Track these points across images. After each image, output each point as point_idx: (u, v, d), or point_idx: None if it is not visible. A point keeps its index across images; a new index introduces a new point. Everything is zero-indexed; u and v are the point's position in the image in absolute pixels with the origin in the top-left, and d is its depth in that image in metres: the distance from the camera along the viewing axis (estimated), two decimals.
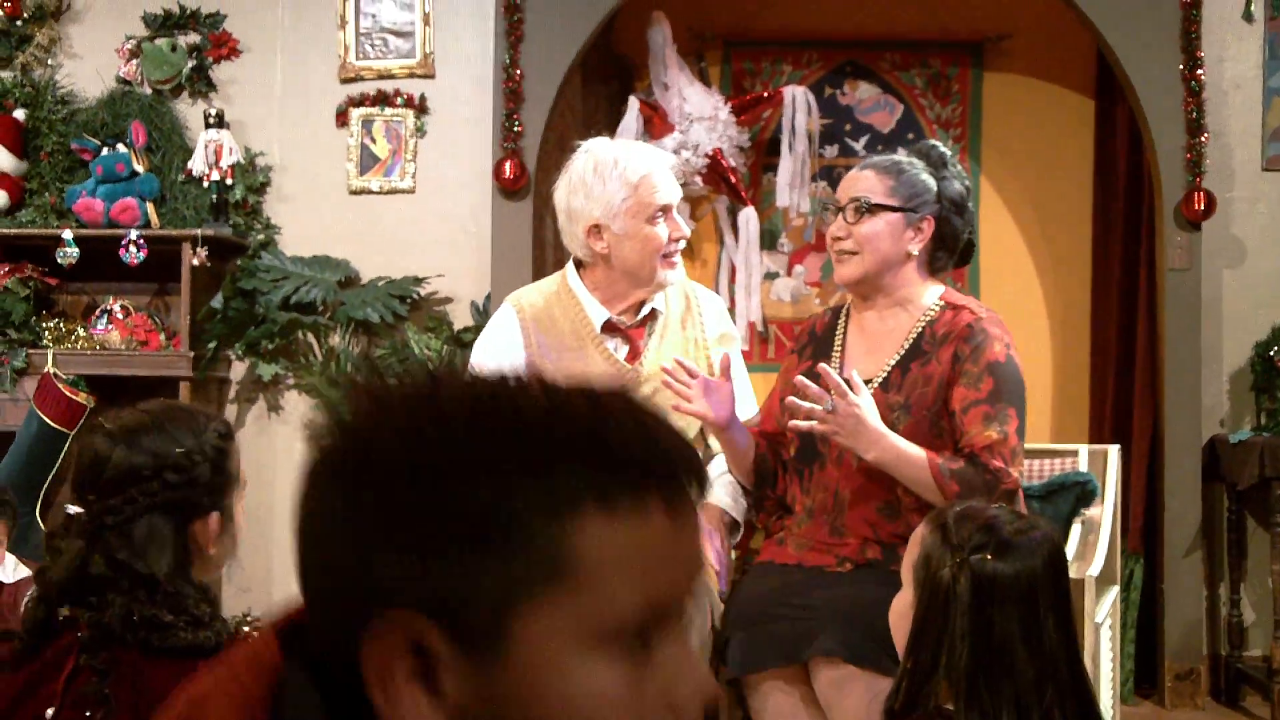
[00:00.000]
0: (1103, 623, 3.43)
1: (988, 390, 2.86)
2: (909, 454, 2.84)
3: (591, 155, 3.28)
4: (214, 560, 2.09)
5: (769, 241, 5.65)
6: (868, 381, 2.96)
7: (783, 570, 3.01)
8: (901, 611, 2.15)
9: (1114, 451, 3.81)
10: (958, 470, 2.82)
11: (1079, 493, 3.54)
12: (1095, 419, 5.34)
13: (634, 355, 3.30)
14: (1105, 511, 3.61)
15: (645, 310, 3.32)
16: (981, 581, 2.02)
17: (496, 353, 3.31)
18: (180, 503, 2.01)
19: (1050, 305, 5.59)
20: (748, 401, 3.44)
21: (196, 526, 2.03)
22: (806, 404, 2.86)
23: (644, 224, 3.22)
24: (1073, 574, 3.07)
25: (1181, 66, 4.92)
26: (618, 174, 3.22)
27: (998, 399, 2.86)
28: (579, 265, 3.36)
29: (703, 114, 5.50)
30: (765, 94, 5.61)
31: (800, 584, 2.94)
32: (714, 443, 3.35)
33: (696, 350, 3.36)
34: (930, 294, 3.05)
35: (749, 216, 5.51)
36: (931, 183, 3.03)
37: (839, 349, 3.09)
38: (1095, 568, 3.34)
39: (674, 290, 3.39)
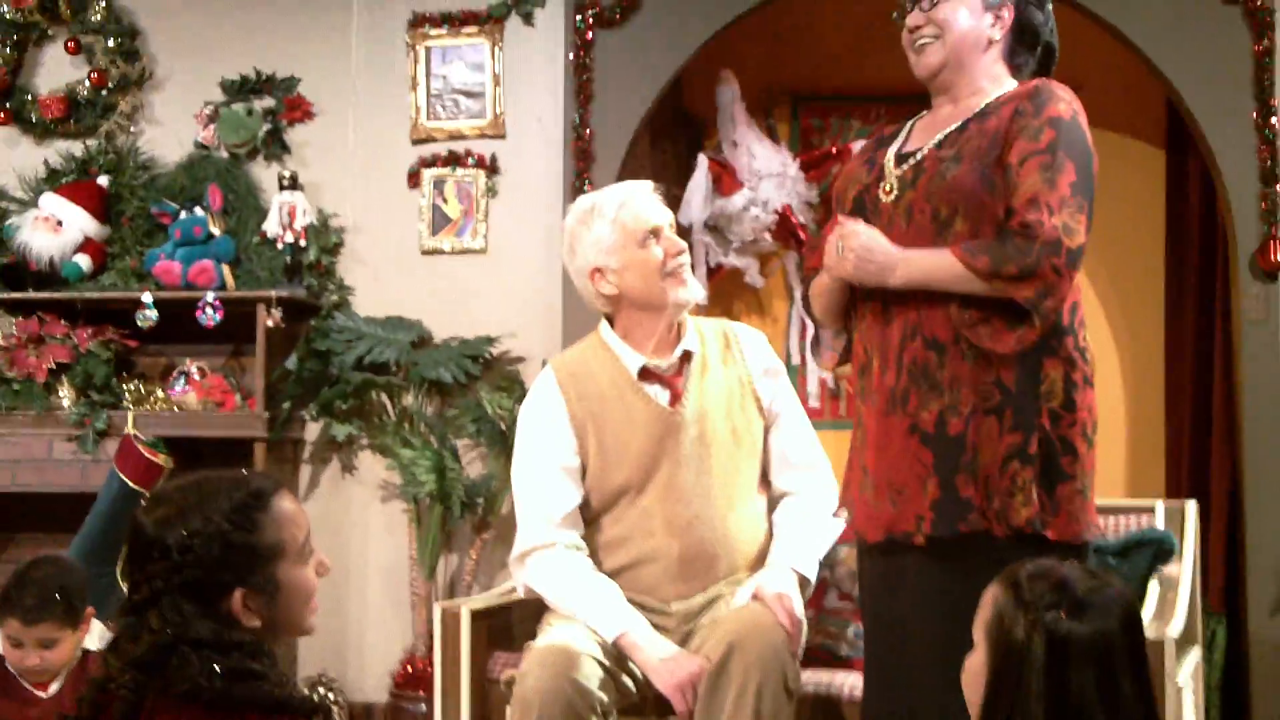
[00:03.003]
0: (1184, 685, 3.37)
1: (1047, 141, 2.70)
2: (933, 258, 2.71)
3: (573, 210, 3.42)
4: (265, 631, 2.08)
5: None
6: (921, 149, 2.85)
7: (866, 561, 2.92)
8: (975, 672, 2.12)
9: (1191, 507, 3.76)
10: (981, 245, 2.67)
11: (1156, 550, 3.50)
12: (1172, 474, 5.27)
13: (675, 399, 3.31)
14: (1184, 569, 3.55)
15: (678, 352, 3.34)
16: (1056, 641, 2.00)
17: (538, 413, 3.38)
18: (194, 583, 2.01)
19: (1123, 359, 5.54)
20: (807, 440, 3.44)
21: (225, 602, 2.02)
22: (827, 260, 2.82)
23: (636, 249, 3.30)
24: (1152, 634, 3.04)
25: (1255, 115, 4.88)
26: (597, 215, 3.33)
27: (1056, 148, 2.69)
28: (610, 320, 3.41)
29: (771, 170, 5.53)
30: (833, 149, 5.63)
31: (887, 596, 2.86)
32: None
33: (741, 387, 3.37)
34: (1005, 87, 2.88)
35: None
36: None
37: (904, 136, 2.95)
38: (1175, 628, 3.28)
39: (710, 331, 3.42)
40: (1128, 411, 5.49)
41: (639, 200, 3.35)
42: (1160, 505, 3.79)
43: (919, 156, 2.83)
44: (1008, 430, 2.67)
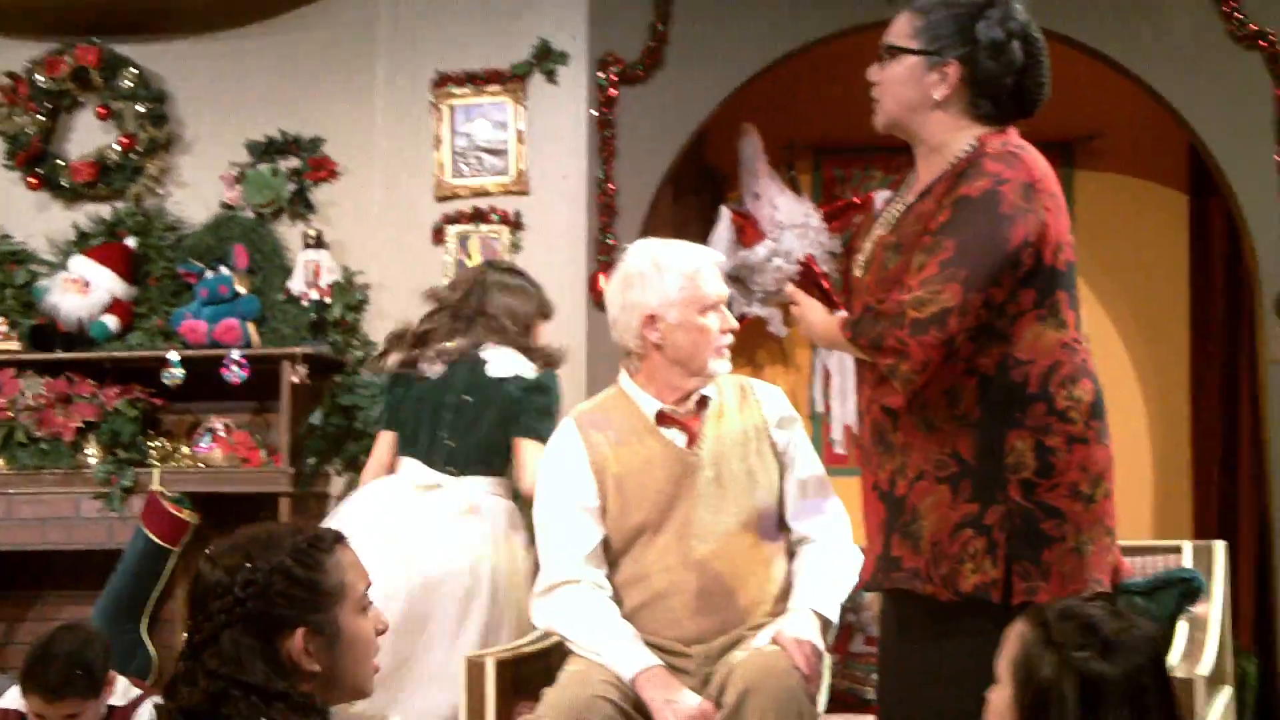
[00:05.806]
0: None
1: (940, 223, 2.62)
2: (833, 326, 2.82)
3: (648, 251, 3.42)
4: (326, 676, 2.08)
5: None
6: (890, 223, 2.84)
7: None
8: (1001, 710, 2.12)
9: (1220, 547, 3.72)
10: (853, 320, 2.74)
11: (1184, 589, 3.46)
12: (1199, 516, 5.24)
13: (691, 440, 3.36)
14: (1214, 608, 3.52)
15: (695, 397, 3.39)
16: (1089, 682, 1.99)
17: (559, 458, 3.43)
18: (257, 617, 2.03)
19: (1149, 402, 5.52)
20: (822, 486, 3.46)
21: (285, 641, 2.04)
22: None
23: (697, 314, 3.34)
24: (1182, 673, 3.01)
25: (1277, 158, 4.88)
26: (675, 267, 3.36)
27: (943, 231, 2.61)
28: (630, 369, 3.45)
29: (794, 221, 5.56)
30: (855, 199, 5.65)
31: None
32: None
33: (757, 432, 3.40)
34: (965, 138, 2.75)
35: None
36: (965, 24, 2.73)
37: (902, 193, 2.88)
38: (1205, 667, 3.24)
39: (726, 383, 3.46)
40: (1154, 454, 5.46)
41: (713, 271, 3.41)
42: (1188, 546, 3.76)
43: (872, 240, 2.82)
44: (964, 500, 2.65)
